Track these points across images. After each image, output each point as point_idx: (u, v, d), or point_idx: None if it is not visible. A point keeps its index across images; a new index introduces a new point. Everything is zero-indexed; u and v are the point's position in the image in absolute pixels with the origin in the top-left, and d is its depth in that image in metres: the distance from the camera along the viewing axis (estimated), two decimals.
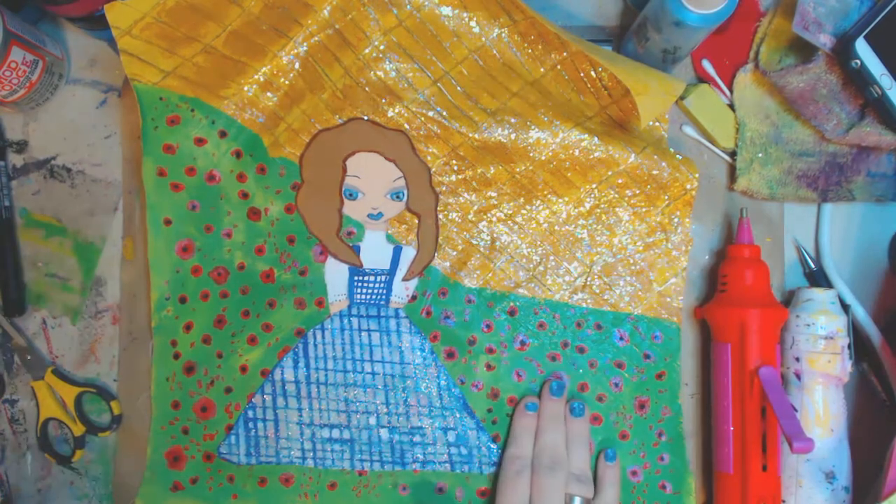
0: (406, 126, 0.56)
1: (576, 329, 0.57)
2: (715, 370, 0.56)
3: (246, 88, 0.54)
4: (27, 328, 0.58)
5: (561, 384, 0.56)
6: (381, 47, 0.54)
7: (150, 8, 0.51)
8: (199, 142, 0.55)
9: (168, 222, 0.55)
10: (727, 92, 0.58)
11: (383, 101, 0.55)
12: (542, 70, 0.56)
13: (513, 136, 0.55)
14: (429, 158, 0.56)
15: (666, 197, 0.56)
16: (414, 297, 0.57)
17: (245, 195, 0.56)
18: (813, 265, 0.58)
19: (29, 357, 0.57)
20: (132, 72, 0.53)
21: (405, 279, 0.57)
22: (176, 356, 0.55)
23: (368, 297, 0.57)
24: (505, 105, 0.55)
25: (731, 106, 0.58)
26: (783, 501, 0.54)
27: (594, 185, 0.56)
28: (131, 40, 0.52)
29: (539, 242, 0.57)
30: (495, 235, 0.57)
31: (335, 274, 0.57)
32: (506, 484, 0.53)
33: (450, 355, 0.57)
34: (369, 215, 0.57)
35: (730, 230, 0.59)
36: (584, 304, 0.57)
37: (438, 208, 0.57)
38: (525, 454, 0.54)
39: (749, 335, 0.53)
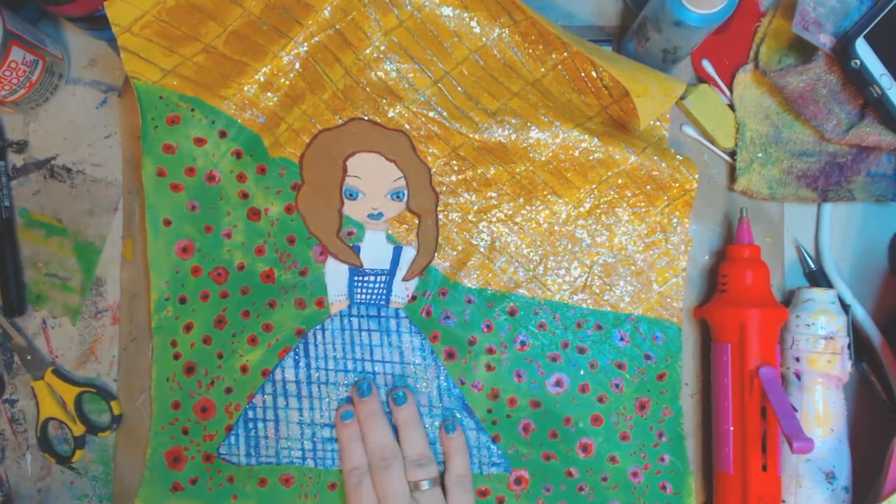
0: (406, 126, 0.56)
1: (576, 329, 0.57)
2: (715, 370, 0.56)
3: (246, 88, 0.54)
4: (27, 328, 0.58)
5: (367, 384, 0.55)
6: (382, 48, 0.54)
7: (151, 6, 0.51)
8: (199, 142, 0.55)
9: (168, 222, 0.55)
10: (727, 92, 0.58)
11: (384, 101, 0.55)
12: (542, 70, 0.56)
13: (513, 137, 0.55)
14: (429, 159, 0.56)
15: (665, 197, 0.56)
16: (414, 298, 0.57)
17: (245, 195, 0.56)
18: (813, 265, 0.58)
19: (29, 357, 0.57)
20: (132, 69, 0.53)
21: (405, 279, 0.57)
22: (176, 356, 0.55)
23: (368, 297, 0.57)
24: (505, 105, 0.55)
25: (731, 106, 0.58)
26: (783, 501, 0.54)
27: (594, 186, 0.56)
28: (131, 38, 0.52)
29: (539, 243, 0.57)
30: (495, 236, 0.57)
31: (335, 274, 0.57)
32: (351, 499, 0.53)
33: (450, 355, 0.57)
34: (369, 215, 0.57)
35: (730, 230, 0.59)
36: (584, 305, 0.57)
37: (438, 208, 0.57)
38: (358, 463, 0.53)
39: (749, 335, 0.53)
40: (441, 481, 0.54)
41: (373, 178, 0.56)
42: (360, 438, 0.54)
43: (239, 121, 0.55)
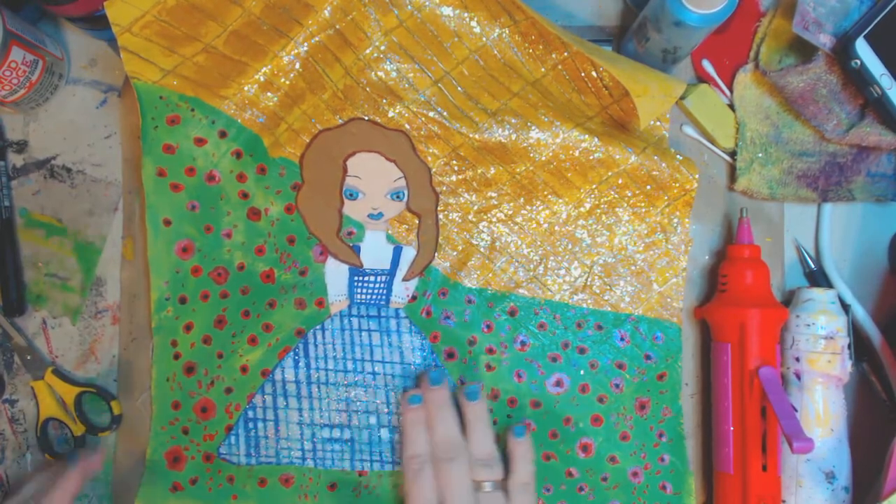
0: (407, 126, 0.56)
1: (576, 329, 0.57)
2: (715, 370, 0.56)
3: (246, 88, 0.54)
4: (27, 328, 0.58)
5: (438, 372, 0.54)
6: (382, 47, 0.54)
7: (151, 6, 0.51)
8: (199, 142, 0.55)
9: (168, 222, 0.55)
10: (727, 92, 0.58)
11: (384, 101, 0.55)
12: (542, 70, 0.56)
13: (513, 137, 0.55)
14: (429, 159, 0.56)
15: (666, 197, 0.56)
16: (414, 298, 0.57)
17: (245, 195, 0.56)
18: (813, 265, 0.58)
19: (29, 357, 0.57)
20: (132, 69, 0.53)
21: (405, 279, 0.57)
22: (176, 356, 0.55)
23: (369, 297, 0.57)
24: (506, 105, 0.55)
25: (731, 106, 0.58)
26: (783, 501, 0.54)
27: (594, 186, 0.56)
28: (131, 38, 0.52)
29: (539, 243, 0.57)
30: (495, 236, 0.57)
31: (335, 274, 0.57)
32: (410, 487, 0.51)
33: (450, 356, 0.57)
34: (369, 215, 0.57)
35: (730, 230, 0.59)
36: (584, 305, 0.57)
37: (439, 208, 0.57)
38: (421, 451, 0.52)
39: (749, 335, 0.53)
40: (503, 485, 0.52)
41: (373, 178, 0.56)
42: (424, 425, 0.52)
43: (239, 121, 0.55)
